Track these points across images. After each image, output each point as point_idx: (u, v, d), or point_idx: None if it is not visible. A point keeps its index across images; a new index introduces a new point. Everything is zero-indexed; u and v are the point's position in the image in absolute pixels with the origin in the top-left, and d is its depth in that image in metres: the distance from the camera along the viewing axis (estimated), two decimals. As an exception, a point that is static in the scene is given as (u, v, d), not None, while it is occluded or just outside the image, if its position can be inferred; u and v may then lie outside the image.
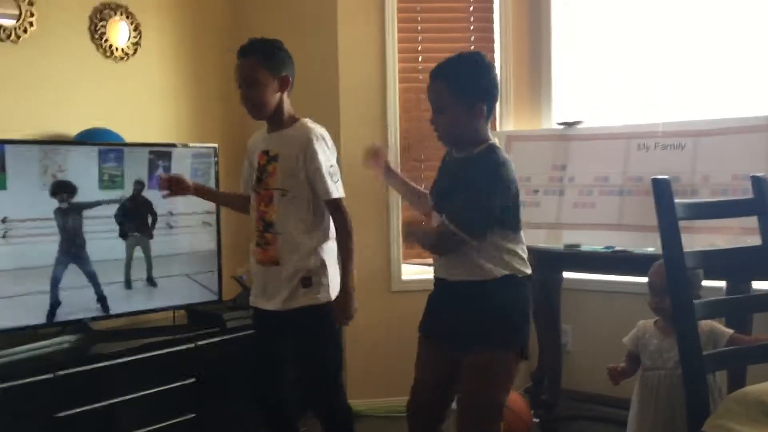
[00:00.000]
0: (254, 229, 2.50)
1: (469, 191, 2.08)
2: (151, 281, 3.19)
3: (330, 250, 2.47)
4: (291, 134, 2.45)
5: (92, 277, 2.99)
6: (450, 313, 2.16)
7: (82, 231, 2.95)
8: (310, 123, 2.47)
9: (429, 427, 2.27)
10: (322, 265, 2.43)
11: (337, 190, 2.42)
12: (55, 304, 2.89)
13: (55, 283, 2.89)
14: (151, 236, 3.18)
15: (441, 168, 2.30)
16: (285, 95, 2.47)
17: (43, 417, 2.62)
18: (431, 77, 2.14)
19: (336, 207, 2.43)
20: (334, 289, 2.44)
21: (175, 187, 2.62)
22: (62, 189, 2.90)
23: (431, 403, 2.24)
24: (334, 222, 2.46)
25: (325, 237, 2.46)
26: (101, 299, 3.02)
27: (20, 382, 2.56)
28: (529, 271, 2.18)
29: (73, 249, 2.93)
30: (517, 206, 2.14)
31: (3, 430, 2.53)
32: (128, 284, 3.12)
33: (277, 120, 2.48)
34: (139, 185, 3.14)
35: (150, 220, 3.18)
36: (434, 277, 2.25)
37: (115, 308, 3.09)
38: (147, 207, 3.17)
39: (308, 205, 2.43)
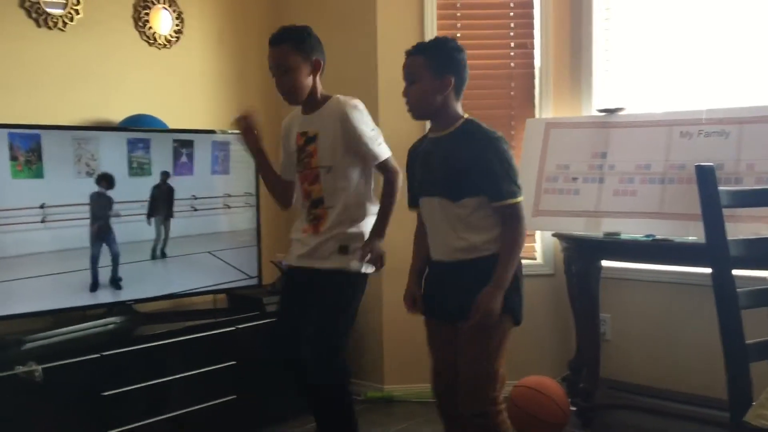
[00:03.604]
0: (301, 207, 2.58)
1: (485, 163, 2.16)
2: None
3: (369, 224, 2.54)
4: (326, 112, 2.51)
5: (115, 257, 3.05)
6: (453, 291, 2.24)
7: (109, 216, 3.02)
8: (342, 97, 2.53)
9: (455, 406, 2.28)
10: (360, 237, 2.50)
11: (383, 152, 2.53)
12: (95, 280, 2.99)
13: (94, 261, 2.98)
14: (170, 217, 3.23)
15: (414, 159, 2.38)
16: (317, 78, 2.53)
17: (90, 395, 2.71)
18: (407, 54, 2.30)
19: (385, 167, 2.55)
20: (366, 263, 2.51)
21: (245, 124, 2.57)
22: (104, 179, 2.99)
23: (453, 381, 2.26)
24: (384, 178, 2.55)
25: (367, 210, 2.54)
26: (115, 280, 3.05)
27: (68, 361, 2.65)
28: None
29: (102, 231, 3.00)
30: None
31: (52, 407, 2.61)
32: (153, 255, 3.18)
33: (311, 102, 2.55)
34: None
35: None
36: (432, 260, 2.34)
37: (158, 291, 3.17)
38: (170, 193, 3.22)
39: (351, 176, 2.50)
